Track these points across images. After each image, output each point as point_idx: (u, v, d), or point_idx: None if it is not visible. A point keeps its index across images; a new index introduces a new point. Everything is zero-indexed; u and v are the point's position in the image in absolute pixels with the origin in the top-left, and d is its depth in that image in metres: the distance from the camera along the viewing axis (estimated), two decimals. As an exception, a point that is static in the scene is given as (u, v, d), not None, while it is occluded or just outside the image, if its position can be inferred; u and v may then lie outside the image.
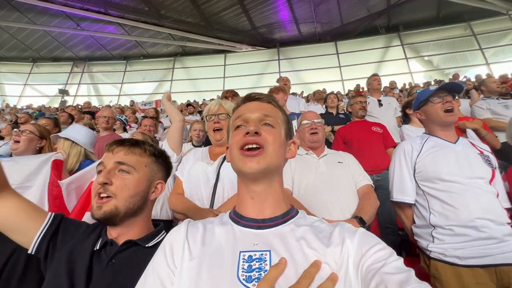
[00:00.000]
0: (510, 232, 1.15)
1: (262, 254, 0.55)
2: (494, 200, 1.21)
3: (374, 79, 3.33)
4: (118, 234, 0.78)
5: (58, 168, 1.45)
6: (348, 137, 2.55)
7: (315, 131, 1.60)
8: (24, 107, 12.38)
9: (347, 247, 0.56)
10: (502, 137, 2.34)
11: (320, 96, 5.26)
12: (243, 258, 0.55)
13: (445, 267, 1.18)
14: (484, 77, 6.67)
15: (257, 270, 0.53)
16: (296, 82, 13.30)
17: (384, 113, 3.15)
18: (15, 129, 3.24)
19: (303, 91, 11.00)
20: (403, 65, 12.87)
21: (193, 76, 15.51)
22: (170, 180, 1.84)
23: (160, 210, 1.79)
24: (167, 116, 5.67)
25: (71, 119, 4.40)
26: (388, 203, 1.64)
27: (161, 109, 6.80)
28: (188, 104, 7.01)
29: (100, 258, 0.74)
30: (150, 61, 15.95)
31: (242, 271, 0.53)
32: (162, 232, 0.85)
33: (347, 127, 2.73)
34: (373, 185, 1.48)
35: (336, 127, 3.05)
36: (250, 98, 0.72)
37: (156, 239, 0.81)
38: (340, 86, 12.90)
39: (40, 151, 1.82)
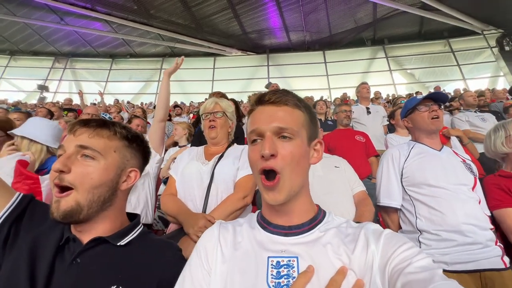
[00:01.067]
0: (493, 237, 1.19)
1: (289, 261, 0.56)
2: (477, 206, 1.26)
3: (363, 87, 3.43)
4: (82, 230, 0.67)
5: (24, 167, 1.31)
6: (332, 145, 2.61)
7: None
8: (-2, 102, 11.68)
9: (372, 252, 0.55)
10: (480, 148, 2.47)
11: (309, 103, 5.35)
12: (272, 264, 0.55)
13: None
14: (462, 91, 7.05)
15: (285, 276, 0.54)
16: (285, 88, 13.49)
17: (372, 121, 3.25)
18: None
19: (291, 98, 11.14)
20: (387, 76, 13.39)
21: (182, 78, 15.31)
22: (151, 177, 1.76)
23: (141, 213, 1.70)
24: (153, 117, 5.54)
25: (50, 115, 4.18)
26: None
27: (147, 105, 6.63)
28: (176, 106, 6.89)
29: (63, 255, 0.64)
30: (137, 60, 15.62)
31: (271, 277, 0.54)
32: (138, 227, 0.75)
33: (331, 134, 2.82)
34: (366, 191, 1.50)
35: (324, 134, 3.11)
36: (262, 100, 0.64)
37: (129, 236, 0.70)
38: (327, 94, 13.21)
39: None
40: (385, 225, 1.54)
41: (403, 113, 1.53)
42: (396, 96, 9.39)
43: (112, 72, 15.60)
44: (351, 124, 3.26)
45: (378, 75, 13.50)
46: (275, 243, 0.59)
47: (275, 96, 0.63)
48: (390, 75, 13.37)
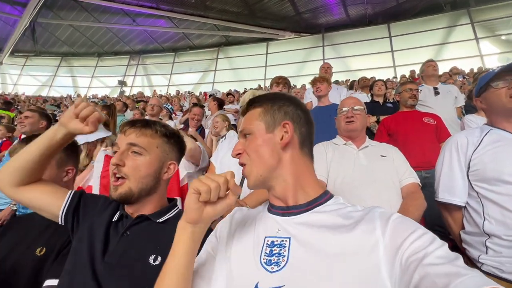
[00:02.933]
0: None
1: (282, 241, 0.58)
2: None
3: (428, 65, 2.92)
4: (134, 211, 0.83)
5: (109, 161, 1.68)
6: (393, 129, 2.29)
7: (351, 120, 1.47)
8: (91, 97, 14.17)
9: (376, 237, 0.51)
10: None
11: (365, 84, 4.83)
12: (267, 243, 0.59)
13: (500, 284, 1.01)
14: None
15: (276, 255, 0.56)
16: (342, 70, 12.54)
17: (441, 103, 2.76)
18: None
19: (348, 79, 10.32)
20: (472, 46, 11.07)
21: (236, 65, 15.75)
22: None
23: None
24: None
25: (125, 107, 4.90)
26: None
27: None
28: (228, 93, 7.19)
29: (116, 229, 0.79)
30: (196, 52, 16.65)
31: (264, 255, 0.57)
32: (175, 208, 0.88)
33: (393, 117, 2.45)
34: (420, 184, 1.32)
35: (382, 118, 2.80)
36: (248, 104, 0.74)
37: (167, 215, 0.84)
38: (392, 72, 11.75)
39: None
40: (446, 224, 1.34)
41: (477, 90, 1.24)
42: (483, 70, 7.76)
43: (175, 65, 17.06)
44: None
45: (459, 46, 11.28)
46: (273, 223, 0.63)
47: (243, 108, 0.75)
48: (476, 45, 11.01)
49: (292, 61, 14.30)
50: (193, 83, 16.31)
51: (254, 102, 0.72)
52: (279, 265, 0.54)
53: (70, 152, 1.09)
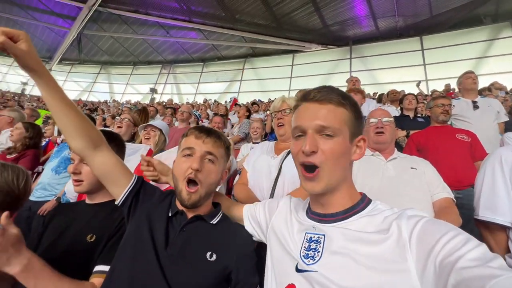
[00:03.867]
0: None
1: (318, 237, 0.62)
2: None
3: (467, 76, 2.75)
4: (189, 210, 0.87)
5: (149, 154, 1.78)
6: (423, 144, 2.18)
7: (380, 131, 1.45)
8: (124, 102, 15.14)
9: (404, 241, 0.52)
10: None
11: (395, 97, 4.65)
12: (306, 239, 0.64)
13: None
14: None
15: (313, 250, 0.61)
16: (369, 82, 12.25)
17: (480, 117, 2.58)
18: (116, 117, 4.01)
19: (376, 92, 10.05)
20: (515, 61, 10.31)
21: (261, 76, 16.02)
22: None
23: None
24: (234, 113, 6.05)
25: (156, 112, 5.19)
26: (471, 226, 1.30)
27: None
28: (253, 103, 7.33)
29: (173, 224, 0.85)
30: (223, 62, 17.25)
31: (303, 249, 0.62)
32: (220, 212, 0.95)
33: (423, 132, 2.34)
34: (454, 200, 1.24)
35: (412, 132, 2.68)
36: (307, 98, 0.67)
37: (217, 217, 0.91)
38: (424, 87, 11.23)
39: (133, 135, 2.22)
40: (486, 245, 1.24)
41: None
42: (528, 86, 7.16)
43: (203, 74, 17.77)
44: (449, 122, 2.70)
45: (500, 60, 10.54)
46: (309, 223, 0.68)
47: (319, 94, 0.65)
48: (521, 59, 10.24)
49: (318, 72, 14.27)
50: (219, 92, 16.83)
51: (340, 98, 0.64)
52: (314, 259, 0.59)
53: (117, 149, 1.12)
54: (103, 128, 2.21)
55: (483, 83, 7.84)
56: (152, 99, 16.96)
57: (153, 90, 18.19)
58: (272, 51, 15.32)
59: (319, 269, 0.56)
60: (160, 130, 2.04)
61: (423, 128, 2.63)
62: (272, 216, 0.82)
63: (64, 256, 0.88)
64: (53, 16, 14.60)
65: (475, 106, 2.61)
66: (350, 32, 12.88)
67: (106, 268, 0.82)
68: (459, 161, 2.01)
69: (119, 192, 0.88)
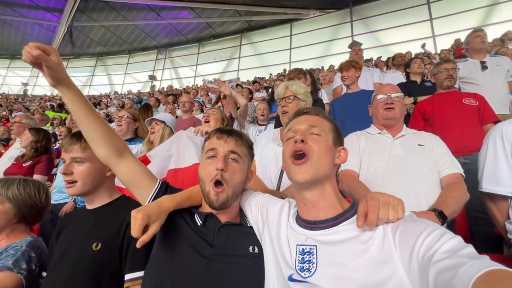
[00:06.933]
0: None
1: (311, 248, 0.66)
2: None
3: (475, 35, 2.59)
4: (220, 213, 0.86)
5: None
6: (429, 113, 2.11)
7: (391, 106, 1.40)
8: (126, 93, 15.09)
9: (389, 241, 0.56)
10: None
11: (402, 61, 4.42)
12: (299, 251, 0.67)
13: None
14: None
15: (307, 262, 0.64)
16: (373, 45, 11.72)
17: (489, 78, 2.48)
18: (114, 117, 4.03)
19: (381, 56, 9.62)
20: (531, 4, 9.55)
21: (260, 50, 15.52)
22: None
23: None
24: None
25: (158, 102, 5.16)
26: (477, 191, 1.33)
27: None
28: (254, 81, 7.17)
29: (205, 228, 0.84)
30: (219, 40, 16.71)
31: (298, 262, 0.65)
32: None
33: (428, 100, 2.25)
34: (463, 175, 1.24)
35: (421, 99, 2.60)
36: (299, 113, 0.83)
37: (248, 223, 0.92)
38: (431, 44, 10.67)
39: (136, 131, 2.25)
40: (491, 215, 1.27)
41: None
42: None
43: (200, 55, 17.34)
44: (457, 86, 2.60)
45: (515, 6, 9.76)
46: (301, 234, 0.70)
47: (309, 110, 0.82)
48: (537, 2, 9.47)
49: (318, 41, 13.69)
50: (218, 72, 16.50)
51: (324, 114, 0.81)
52: (310, 271, 0.62)
53: None
54: None
55: (495, 33, 7.38)
56: (153, 87, 16.83)
57: (152, 77, 17.97)
58: (268, 22, 14.66)
59: (315, 282, 0.60)
60: (164, 122, 2.06)
61: (431, 93, 2.54)
62: (269, 219, 0.83)
63: (74, 267, 0.90)
64: (40, 10, 14.18)
65: (484, 67, 2.49)
66: (349, -8, 12.10)
67: (135, 275, 0.87)
68: (467, 127, 1.97)
69: (145, 196, 0.89)
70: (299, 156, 0.70)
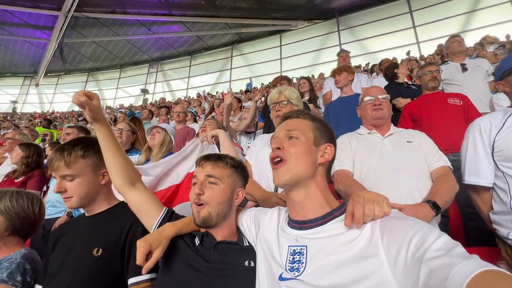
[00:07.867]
0: None
1: (301, 249, 0.68)
2: None
3: (453, 41, 2.75)
4: (212, 232, 0.93)
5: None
6: (416, 113, 2.21)
7: (379, 107, 1.48)
8: (118, 107, 15.03)
9: (376, 239, 0.58)
10: None
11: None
12: (290, 252, 0.69)
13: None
14: None
15: (297, 262, 0.66)
16: (360, 53, 12.06)
17: (469, 79, 2.61)
18: (114, 128, 4.03)
19: (368, 63, 9.91)
20: (508, 9, 10.02)
21: (251, 61, 15.77)
22: None
23: None
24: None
25: (151, 114, 5.18)
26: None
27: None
28: (246, 91, 7.29)
29: (202, 245, 0.90)
30: (210, 53, 16.92)
31: (288, 262, 0.68)
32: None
33: (415, 102, 2.37)
34: (451, 167, 1.30)
35: (406, 101, 2.69)
36: (283, 118, 0.86)
37: (245, 241, 0.96)
38: (416, 49, 11.06)
39: (134, 143, 2.28)
40: (476, 206, 1.32)
41: (499, 74, 1.21)
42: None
43: (192, 68, 17.50)
44: (440, 87, 2.72)
45: (494, 11, 10.18)
46: (292, 235, 0.73)
47: (291, 113, 0.85)
48: (512, 8, 9.97)
49: (308, 50, 14.02)
50: (210, 84, 16.64)
51: (305, 115, 0.82)
52: (299, 270, 0.64)
53: (102, 156, 1.08)
54: (88, 136, 2.19)
55: (475, 38, 7.73)
56: (145, 100, 16.81)
57: (145, 91, 17.99)
58: (258, 34, 14.99)
59: (304, 278, 0.62)
60: (165, 130, 2.08)
61: (417, 96, 2.65)
62: (261, 228, 0.87)
63: (74, 274, 0.91)
64: (29, 28, 14.21)
65: (464, 69, 2.63)
66: (335, 4, 12.53)
67: (139, 279, 0.90)
68: (453, 125, 2.07)
69: (151, 223, 0.96)
70: (277, 162, 0.74)
